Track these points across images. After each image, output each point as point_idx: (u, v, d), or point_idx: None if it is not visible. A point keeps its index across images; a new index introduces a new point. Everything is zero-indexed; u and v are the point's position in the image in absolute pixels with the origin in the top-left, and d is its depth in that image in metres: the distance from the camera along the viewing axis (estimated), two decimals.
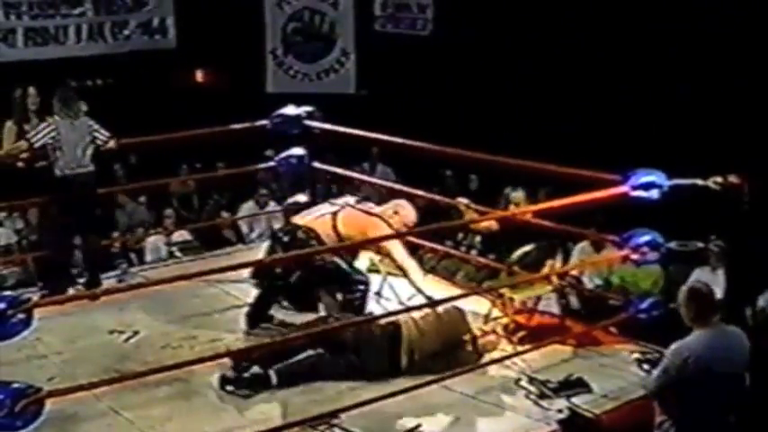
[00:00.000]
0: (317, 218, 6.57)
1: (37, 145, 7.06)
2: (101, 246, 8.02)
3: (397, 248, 6.38)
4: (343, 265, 6.41)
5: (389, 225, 6.46)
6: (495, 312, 6.66)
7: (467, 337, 6.29)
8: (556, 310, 6.99)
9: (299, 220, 6.67)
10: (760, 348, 5.21)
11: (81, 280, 7.49)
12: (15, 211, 10.29)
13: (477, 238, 9.62)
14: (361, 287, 6.42)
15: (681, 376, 4.81)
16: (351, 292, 6.39)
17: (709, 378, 4.80)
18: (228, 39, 13.48)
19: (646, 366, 5.94)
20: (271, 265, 6.52)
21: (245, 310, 6.70)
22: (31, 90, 7.49)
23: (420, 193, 8.00)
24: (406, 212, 6.66)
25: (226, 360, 5.74)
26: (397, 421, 5.37)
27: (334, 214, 6.54)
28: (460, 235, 10.03)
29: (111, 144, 7.35)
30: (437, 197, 8.62)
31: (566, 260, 9.24)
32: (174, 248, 10.19)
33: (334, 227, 6.46)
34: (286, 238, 6.49)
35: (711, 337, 4.88)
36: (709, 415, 4.86)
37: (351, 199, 6.82)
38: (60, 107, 7.11)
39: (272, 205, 10.87)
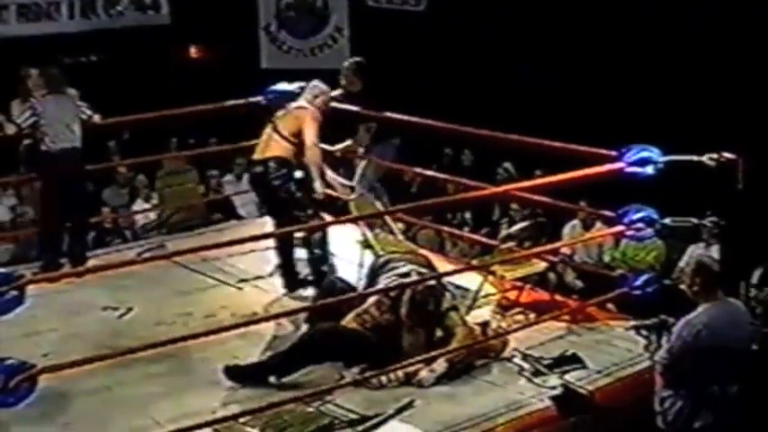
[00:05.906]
0: (267, 146, 6.92)
1: (24, 125, 7.08)
2: (88, 223, 8.01)
3: (310, 127, 6.81)
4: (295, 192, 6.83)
5: (314, 108, 6.97)
6: (488, 289, 6.65)
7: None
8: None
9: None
10: (753, 324, 5.22)
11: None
12: (7, 187, 10.25)
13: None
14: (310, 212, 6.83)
15: (692, 349, 4.82)
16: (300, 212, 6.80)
17: (717, 350, 4.82)
18: (222, 14, 13.38)
19: (644, 332, 5.86)
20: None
21: (239, 285, 6.71)
22: (33, 71, 7.59)
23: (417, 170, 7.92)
24: (320, 89, 7.13)
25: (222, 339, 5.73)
26: (389, 397, 5.37)
27: (274, 128, 6.95)
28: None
29: (96, 118, 7.35)
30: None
31: (557, 238, 9.23)
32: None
33: (278, 131, 6.89)
34: (258, 170, 6.90)
35: (718, 310, 4.90)
36: (714, 387, 4.88)
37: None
38: (43, 85, 7.11)
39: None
